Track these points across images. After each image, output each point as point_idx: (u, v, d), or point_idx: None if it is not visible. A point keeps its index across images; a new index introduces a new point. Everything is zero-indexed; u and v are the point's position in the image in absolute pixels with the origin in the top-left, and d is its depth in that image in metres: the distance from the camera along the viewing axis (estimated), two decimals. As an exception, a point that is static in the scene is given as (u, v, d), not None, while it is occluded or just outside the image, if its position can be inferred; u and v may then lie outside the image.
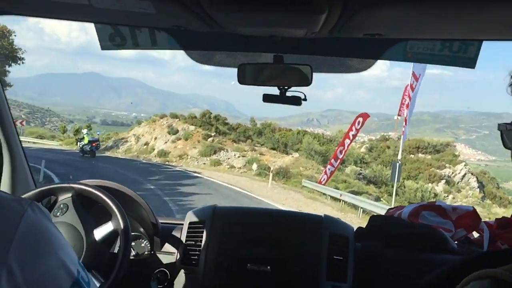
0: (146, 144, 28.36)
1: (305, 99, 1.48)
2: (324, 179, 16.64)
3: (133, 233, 1.55)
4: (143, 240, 1.73)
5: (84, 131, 25.06)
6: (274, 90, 1.49)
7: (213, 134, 26.78)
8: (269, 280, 1.59)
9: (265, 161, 23.09)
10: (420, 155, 28.77)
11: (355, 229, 1.77)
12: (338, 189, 17.17)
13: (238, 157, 23.54)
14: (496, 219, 1.86)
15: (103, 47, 1.55)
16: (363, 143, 31.86)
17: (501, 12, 1.01)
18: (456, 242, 1.77)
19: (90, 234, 1.41)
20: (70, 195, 1.46)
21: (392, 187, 16.38)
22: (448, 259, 1.58)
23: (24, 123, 36.07)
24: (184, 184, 15.46)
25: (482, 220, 1.85)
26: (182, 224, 1.76)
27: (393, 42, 1.46)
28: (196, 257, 1.66)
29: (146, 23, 1.42)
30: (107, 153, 27.86)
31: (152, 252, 1.71)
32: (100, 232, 1.43)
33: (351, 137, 17.01)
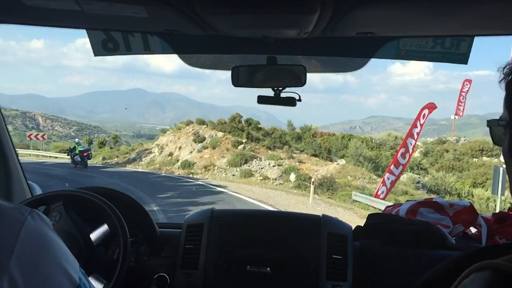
0: (170, 154, 27.99)
1: (299, 100, 1.68)
2: (382, 192, 14.68)
3: (131, 239, 1.70)
4: (141, 246, 1.90)
5: (76, 140, 25.81)
6: (269, 92, 1.69)
7: (244, 141, 26.17)
8: (269, 281, 1.79)
9: (305, 170, 22.23)
10: (485, 158, 27.51)
11: (353, 228, 1.97)
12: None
13: (273, 166, 22.87)
14: (493, 213, 2.05)
15: (96, 53, 1.76)
16: (417, 147, 30.99)
17: (491, 8, 1.19)
18: (454, 238, 1.96)
19: (87, 238, 1.60)
20: (61, 202, 1.65)
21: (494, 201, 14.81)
22: (447, 255, 1.74)
23: (45, 136, 37.85)
24: (200, 202, 14.62)
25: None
26: (180, 228, 1.96)
27: (385, 40, 1.66)
28: (195, 261, 1.84)
29: (139, 27, 1.63)
30: (129, 167, 27.77)
31: (151, 257, 1.89)
32: (96, 235, 1.62)
33: (415, 136, 15.08)
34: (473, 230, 2.05)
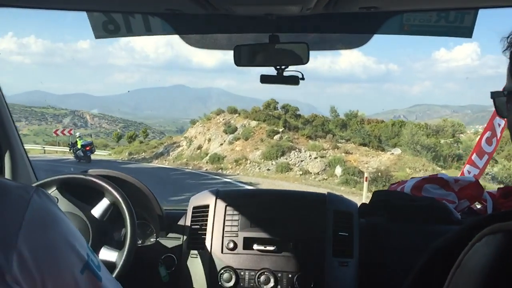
0: (199, 147, 28.08)
1: (302, 78, 1.84)
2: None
3: (138, 221, 1.89)
4: (148, 227, 2.14)
5: (77, 134, 26.54)
6: (272, 71, 1.86)
7: (280, 130, 25.67)
8: (275, 259, 2.00)
9: (353, 162, 21.60)
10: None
11: (359, 205, 2.17)
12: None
13: (315, 158, 22.16)
14: (499, 188, 2.24)
15: (97, 36, 1.94)
16: (476, 133, 29.82)
17: None
18: (459, 213, 2.16)
19: (89, 215, 1.82)
20: (55, 187, 1.85)
21: None
22: None
23: (71, 131, 39.18)
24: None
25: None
26: (186, 210, 2.17)
27: (389, 15, 1.81)
28: (202, 241, 2.06)
29: (139, 8, 1.80)
30: (155, 162, 27.97)
31: (158, 239, 2.11)
32: (98, 210, 1.83)
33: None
34: (478, 206, 2.24)
